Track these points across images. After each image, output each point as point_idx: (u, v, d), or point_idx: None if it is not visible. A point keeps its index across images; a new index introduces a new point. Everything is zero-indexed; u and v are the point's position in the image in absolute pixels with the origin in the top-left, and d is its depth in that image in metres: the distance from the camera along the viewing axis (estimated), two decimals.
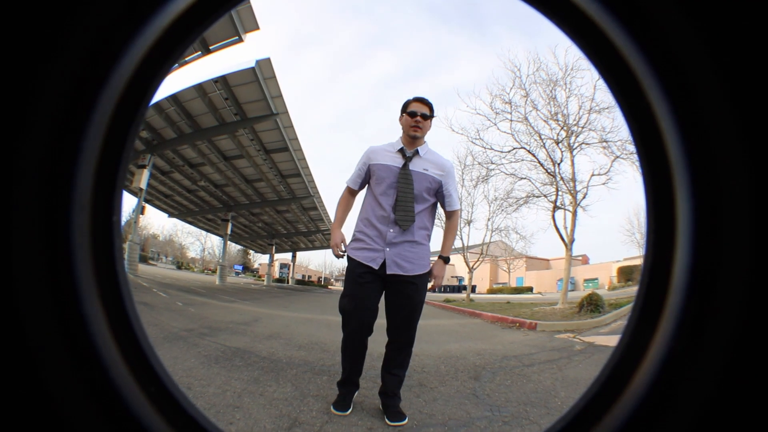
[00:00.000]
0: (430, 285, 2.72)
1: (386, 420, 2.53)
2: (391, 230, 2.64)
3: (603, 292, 26.50)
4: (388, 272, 2.61)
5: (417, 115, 2.70)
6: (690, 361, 0.49)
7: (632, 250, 36.88)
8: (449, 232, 2.88)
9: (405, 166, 2.70)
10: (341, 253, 2.74)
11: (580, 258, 43.84)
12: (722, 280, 0.48)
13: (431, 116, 2.76)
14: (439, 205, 2.86)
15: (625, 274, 32.55)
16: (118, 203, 0.58)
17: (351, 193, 2.94)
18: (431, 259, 2.77)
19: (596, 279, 37.22)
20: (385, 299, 2.71)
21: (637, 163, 0.57)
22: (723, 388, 0.47)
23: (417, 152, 2.73)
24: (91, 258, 0.55)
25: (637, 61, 0.52)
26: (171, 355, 3.87)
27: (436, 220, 3.15)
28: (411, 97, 2.80)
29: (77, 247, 0.53)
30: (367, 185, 2.86)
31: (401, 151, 2.75)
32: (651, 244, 0.56)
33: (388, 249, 2.63)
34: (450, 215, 2.86)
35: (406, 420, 2.53)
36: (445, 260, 2.78)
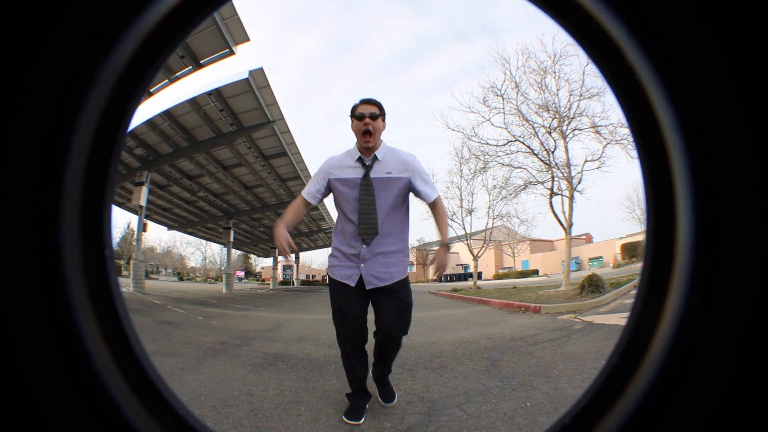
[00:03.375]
0: (434, 274, 2.72)
1: (380, 401, 2.92)
2: (364, 246, 2.62)
3: (608, 270, 26.81)
4: (367, 288, 2.61)
5: (365, 117, 2.59)
6: (705, 330, 0.50)
7: (634, 227, 37.27)
8: (440, 220, 2.75)
9: (366, 176, 2.64)
10: (290, 251, 2.63)
11: (584, 237, 44.07)
12: (730, 244, 0.49)
13: (381, 114, 2.64)
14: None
15: (629, 250, 33.14)
16: (108, 212, 0.59)
17: (305, 204, 2.81)
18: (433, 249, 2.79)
19: (601, 257, 37.69)
20: (372, 308, 2.71)
21: (630, 128, 0.58)
22: (738, 357, 0.48)
23: (376, 158, 2.66)
24: (82, 265, 0.56)
25: (634, 53, 0.52)
26: (220, 368, 4.29)
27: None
28: (357, 101, 2.69)
29: (67, 245, 0.53)
30: (335, 203, 2.78)
31: (360, 160, 2.67)
32: (651, 220, 0.56)
33: (362, 265, 2.63)
34: (432, 206, 2.76)
35: (396, 398, 2.94)
36: (446, 247, 2.70)
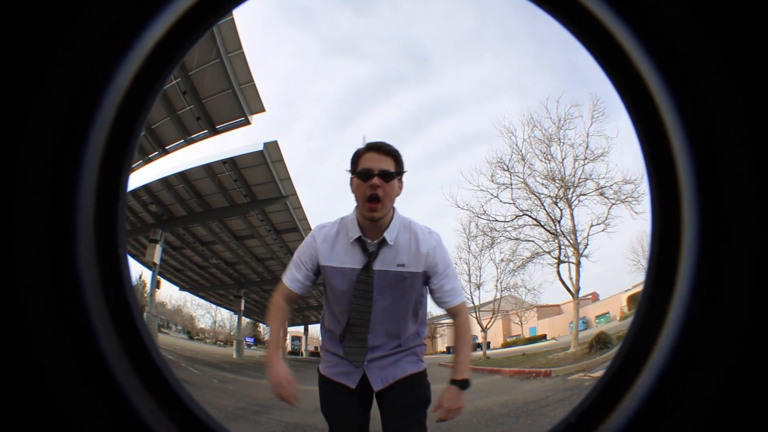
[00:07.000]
0: (434, 412, 1.77)
1: None
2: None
3: (614, 324, 26.37)
4: (375, 389, 1.82)
5: (373, 176, 1.64)
6: (707, 332, 0.50)
7: (640, 277, 36.33)
8: (460, 339, 1.85)
9: (367, 268, 1.74)
10: (295, 398, 1.69)
11: (590, 296, 43.15)
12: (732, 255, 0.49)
13: (398, 173, 1.71)
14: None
15: (636, 301, 32.23)
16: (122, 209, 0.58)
17: (288, 297, 1.87)
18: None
19: (607, 313, 36.77)
20: (380, 411, 1.86)
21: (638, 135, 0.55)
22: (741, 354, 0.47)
23: (385, 241, 1.74)
24: (95, 260, 0.55)
25: (646, 66, 0.52)
26: None
27: None
28: (362, 146, 1.73)
29: (82, 250, 0.53)
30: (323, 288, 1.91)
31: (360, 241, 1.76)
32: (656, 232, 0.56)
33: (366, 363, 1.82)
34: (454, 313, 1.85)
35: None
36: (461, 385, 1.76)
